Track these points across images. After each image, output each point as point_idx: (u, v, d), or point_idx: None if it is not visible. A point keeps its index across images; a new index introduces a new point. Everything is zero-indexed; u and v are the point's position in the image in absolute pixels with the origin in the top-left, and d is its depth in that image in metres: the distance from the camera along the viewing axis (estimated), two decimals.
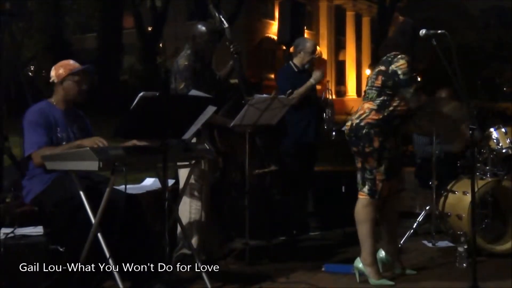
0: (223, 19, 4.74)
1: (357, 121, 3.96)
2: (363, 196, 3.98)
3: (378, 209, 4.01)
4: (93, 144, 3.43)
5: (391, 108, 3.92)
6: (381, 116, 3.91)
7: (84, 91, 3.84)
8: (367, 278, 3.97)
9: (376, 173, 3.92)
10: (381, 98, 3.94)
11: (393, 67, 3.92)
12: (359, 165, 4.01)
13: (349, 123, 4.04)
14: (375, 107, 3.94)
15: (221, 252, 4.62)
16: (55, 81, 3.82)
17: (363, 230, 3.98)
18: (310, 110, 5.47)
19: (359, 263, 4.01)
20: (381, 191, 3.93)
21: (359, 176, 4.03)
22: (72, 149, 3.49)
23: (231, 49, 4.62)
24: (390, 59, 3.97)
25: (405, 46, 4.01)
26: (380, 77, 3.96)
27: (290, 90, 5.09)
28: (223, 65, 4.81)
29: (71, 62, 3.89)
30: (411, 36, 4.02)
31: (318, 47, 5.82)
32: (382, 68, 3.97)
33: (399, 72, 3.89)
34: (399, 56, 3.94)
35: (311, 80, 5.36)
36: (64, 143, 3.69)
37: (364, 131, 3.92)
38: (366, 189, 3.96)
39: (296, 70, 5.61)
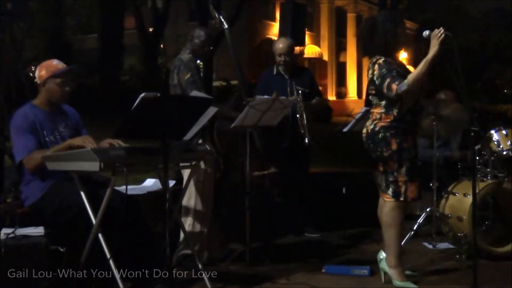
0: (223, 20, 4.76)
1: (372, 126, 3.95)
2: (389, 199, 3.95)
3: (405, 212, 3.99)
4: (82, 143, 3.42)
5: (398, 106, 3.88)
6: (392, 117, 3.88)
7: (68, 93, 3.76)
8: (391, 279, 3.98)
9: (398, 175, 3.89)
10: (385, 101, 3.92)
11: (369, 75, 3.94)
12: (380, 168, 3.99)
13: (364, 131, 4.02)
14: (383, 110, 3.92)
15: (222, 253, 4.62)
16: (38, 82, 3.74)
17: (390, 233, 3.97)
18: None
19: (384, 264, 4.02)
20: (405, 193, 3.90)
21: (382, 178, 4.00)
22: (62, 150, 3.49)
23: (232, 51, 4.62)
24: (370, 66, 3.98)
25: (374, 47, 3.96)
26: (371, 87, 3.98)
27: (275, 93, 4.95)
28: (224, 65, 4.83)
29: (54, 62, 3.78)
30: (372, 34, 3.96)
31: (289, 47, 5.42)
32: (369, 76, 3.97)
33: (374, 78, 3.90)
34: (373, 61, 3.93)
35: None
36: (53, 146, 3.64)
37: (380, 136, 3.90)
38: (390, 191, 3.93)
39: (274, 73, 5.55)
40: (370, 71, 3.94)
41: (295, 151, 5.51)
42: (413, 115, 3.93)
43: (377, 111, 3.96)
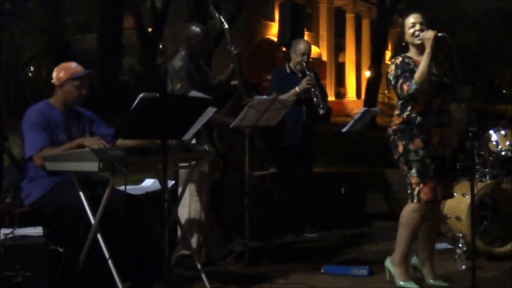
0: (223, 20, 4.74)
1: (388, 129, 3.96)
2: (410, 201, 3.92)
3: (423, 216, 3.92)
4: (93, 143, 3.43)
5: (409, 108, 3.85)
6: (401, 120, 3.88)
7: (84, 96, 3.80)
8: (394, 279, 3.96)
9: (410, 177, 3.86)
10: (400, 102, 3.93)
11: (388, 75, 3.93)
12: None
13: None
14: (398, 112, 3.93)
15: (221, 254, 4.62)
16: (55, 83, 3.78)
17: (402, 233, 3.94)
18: (295, 111, 5.43)
19: (388, 263, 4.01)
20: (418, 194, 3.83)
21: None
22: (73, 148, 3.49)
23: (233, 50, 4.63)
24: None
25: (399, 46, 3.98)
26: (391, 86, 3.97)
27: (274, 93, 4.98)
28: (223, 65, 4.82)
29: (73, 65, 3.83)
30: (400, 35, 3.98)
31: (312, 49, 5.71)
32: (388, 77, 3.96)
33: (391, 78, 3.89)
34: (392, 61, 3.93)
35: (296, 88, 5.35)
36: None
37: (391, 138, 3.92)
38: (408, 193, 3.90)
39: (288, 71, 5.63)
40: (389, 71, 3.93)
41: (302, 150, 5.57)
42: (425, 117, 3.84)
43: (395, 112, 3.99)
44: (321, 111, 5.34)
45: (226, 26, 4.74)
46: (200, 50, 4.55)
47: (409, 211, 3.92)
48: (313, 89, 5.37)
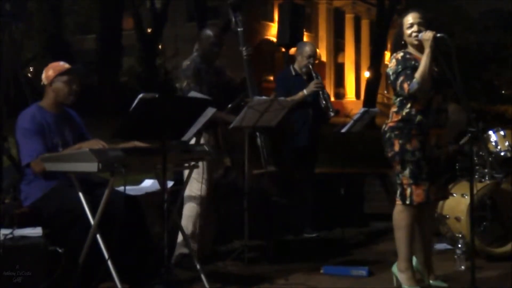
0: (239, 22, 4.84)
1: (384, 125, 3.91)
2: (398, 202, 3.88)
3: (415, 216, 3.88)
4: (93, 146, 3.42)
5: (408, 106, 3.80)
6: (400, 117, 3.82)
7: (75, 92, 3.79)
8: (401, 285, 3.90)
9: (402, 178, 3.81)
10: (399, 99, 3.86)
11: (387, 69, 3.90)
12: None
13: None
14: (396, 109, 3.87)
15: (211, 249, 4.62)
16: (45, 83, 3.77)
17: (398, 236, 3.89)
18: (303, 113, 5.49)
19: (395, 268, 3.96)
20: (411, 196, 3.80)
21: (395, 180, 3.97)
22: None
23: (244, 52, 4.73)
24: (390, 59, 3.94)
25: (398, 45, 3.94)
26: (389, 81, 3.92)
27: (273, 94, 5.00)
28: (228, 66, 4.86)
29: (61, 63, 3.83)
30: (399, 34, 3.95)
31: (317, 51, 5.77)
32: (387, 71, 3.92)
33: (390, 73, 3.83)
34: (393, 56, 3.88)
35: (304, 91, 5.41)
36: (60, 149, 3.66)
37: (387, 136, 3.86)
38: (398, 193, 3.86)
39: (293, 74, 5.65)
40: (389, 65, 3.88)
41: (308, 151, 5.61)
42: (425, 116, 3.79)
43: (392, 109, 3.93)
44: (332, 114, 5.42)
45: (241, 29, 4.85)
46: (212, 52, 4.60)
47: (398, 212, 3.88)
48: (321, 92, 5.43)
